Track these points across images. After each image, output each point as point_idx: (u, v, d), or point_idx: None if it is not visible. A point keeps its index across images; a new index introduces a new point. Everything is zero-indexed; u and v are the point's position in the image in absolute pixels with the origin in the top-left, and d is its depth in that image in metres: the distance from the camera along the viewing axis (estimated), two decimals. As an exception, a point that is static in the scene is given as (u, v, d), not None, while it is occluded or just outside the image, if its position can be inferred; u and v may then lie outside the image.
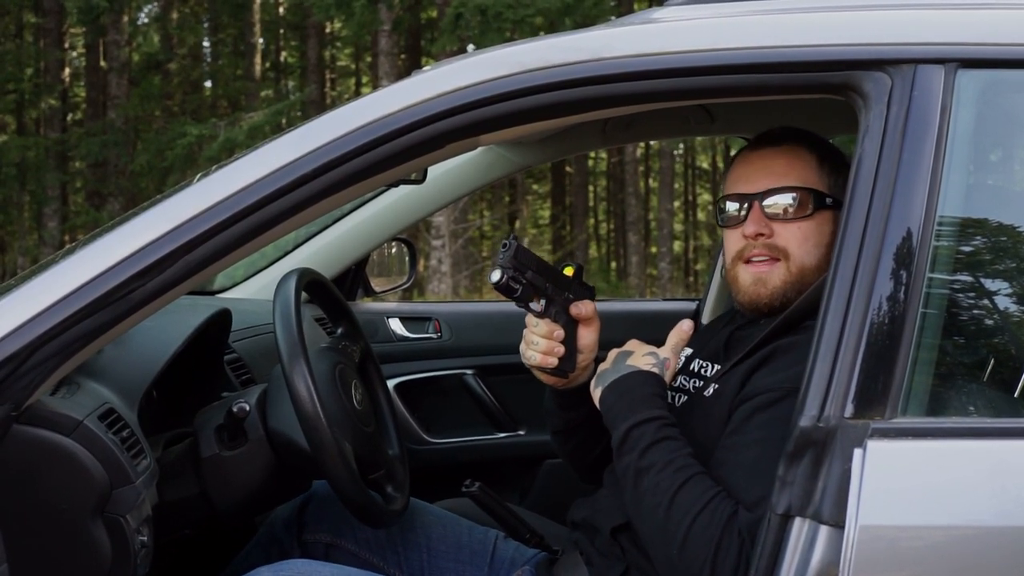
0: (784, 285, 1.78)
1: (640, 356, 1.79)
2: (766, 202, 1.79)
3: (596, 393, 1.78)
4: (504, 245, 1.73)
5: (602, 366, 1.82)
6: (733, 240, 1.83)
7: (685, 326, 1.82)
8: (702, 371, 1.88)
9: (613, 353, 1.82)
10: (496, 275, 1.72)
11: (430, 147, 1.52)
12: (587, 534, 1.87)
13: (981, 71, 1.50)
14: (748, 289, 1.81)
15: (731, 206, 1.83)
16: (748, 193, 1.81)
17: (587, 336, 1.86)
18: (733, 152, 1.93)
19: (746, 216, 1.80)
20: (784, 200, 1.79)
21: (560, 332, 1.82)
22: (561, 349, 1.82)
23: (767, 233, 1.79)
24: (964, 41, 1.51)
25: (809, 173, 1.80)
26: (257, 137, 13.97)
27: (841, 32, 1.54)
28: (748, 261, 1.81)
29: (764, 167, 1.82)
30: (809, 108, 2.32)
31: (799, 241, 1.78)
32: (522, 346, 1.85)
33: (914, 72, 1.47)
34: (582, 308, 1.84)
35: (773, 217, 1.79)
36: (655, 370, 1.76)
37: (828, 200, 1.80)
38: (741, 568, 1.54)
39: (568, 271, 1.85)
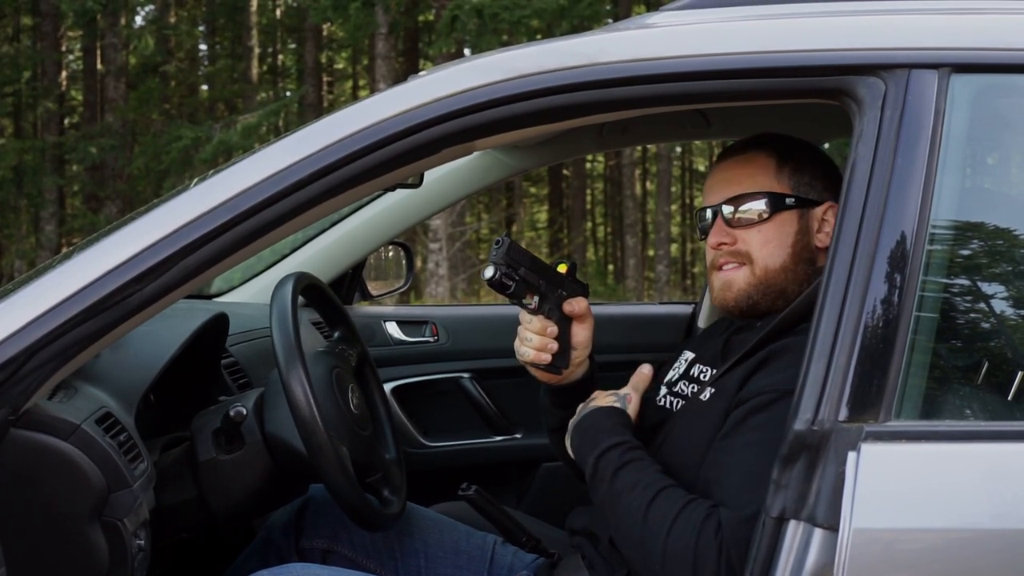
0: (748, 287, 1.82)
1: (602, 398, 1.85)
2: (724, 211, 1.84)
3: (568, 443, 1.84)
4: (497, 242, 1.75)
5: (571, 421, 1.87)
6: (708, 251, 1.88)
7: (645, 370, 1.89)
8: (701, 376, 1.89)
9: (579, 409, 1.88)
10: (489, 271, 1.73)
11: (426, 152, 1.53)
12: (588, 541, 1.88)
13: (974, 75, 1.51)
14: (718, 294, 1.86)
15: (702, 218, 1.89)
16: (711, 205, 1.86)
17: (581, 333, 1.88)
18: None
19: (711, 227, 1.84)
20: (741, 207, 1.83)
21: (553, 328, 1.84)
22: (555, 345, 1.84)
23: (729, 241, 1.83)
24: (957, 46, 1.52)
25: (765, 177, 1.83)
26: (251, 137, 13.95)
27: (835, 37, 1.54)
28: (719, 268, 1.85)
29: (724, 178, 1.86)
30: (804, 112, 2.33)
31: (759, 244, 1.82)
32: (516, 343, 1.87)
33: (908, 77, 1.48)
34: (575, 305, 1.86)
35: (734, 224, 1.83)
36: (616, 404, 1.81)
37: (788, 200, 1.82)
38: (723, 568, 1.54)
39: (561, 268, 1.87)
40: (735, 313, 1.85)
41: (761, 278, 1.81)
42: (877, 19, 1.57)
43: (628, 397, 1.83)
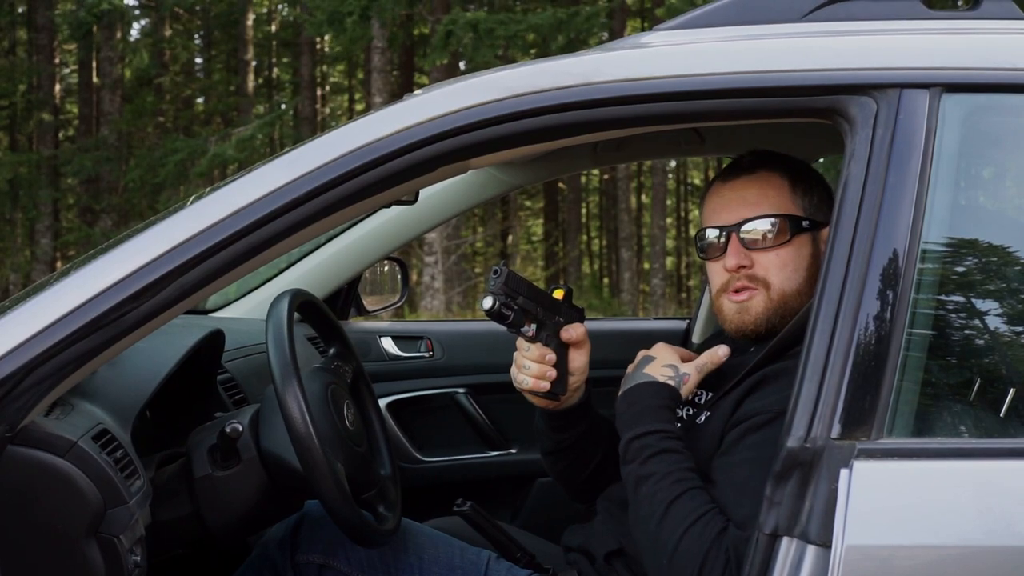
0: (767, 311, 1.81)
1: (659, 367, 1.80)
2: (743, 232, 1.81)
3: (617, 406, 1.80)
4: (495, 272, 1.75)
5: (630, 367, 1.84)
6: (715, 272, 1.85)
7: (721, 352, 1.83)
8: (695, 399, 1.89)
9: (640, 355, 1.85)
10: (488, 302, 1.73)
11: (421, 170, 1.53)
12: (583, 558, 1.88)
13: (965, 95, 1.53)
14: (733, 318, 1.84)
15: (710, 237, 1.85)
16: (725, 225, 1.83)
17: (578, 359, 1.88)
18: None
19: (725, 248, 1.82)
20: (761, 228, 1.80)
21: (552, 356, 1.83)
22: (553, 373, 1.84)
23: (748, 264, 1.80)
24: (949, 66, 1.53)
25: (783, 199, 1.82)
26: (246, 151, 13.95)
27: (827, 57, 1.56)
28: (731, 292, 1.83)
29: (738, 197, 1.84)
30: (797, 130, 2.34)
31: (778, 268, 1.80)
32: (513, 370, 1.86)
33: (899, 96, 1.49)
34: (572, 332, 1.86)
35: (751, 246, 1.80)
36: (670, 382, 1.77)
37: (804, 223, 1.82)
38: None
39: (558, 294, 1.87)
40: (751, 336, 1.83)
41: (778, 302, 1.80)
42: (868, 39, 1.58)
43: (686, 378, 1.79)
